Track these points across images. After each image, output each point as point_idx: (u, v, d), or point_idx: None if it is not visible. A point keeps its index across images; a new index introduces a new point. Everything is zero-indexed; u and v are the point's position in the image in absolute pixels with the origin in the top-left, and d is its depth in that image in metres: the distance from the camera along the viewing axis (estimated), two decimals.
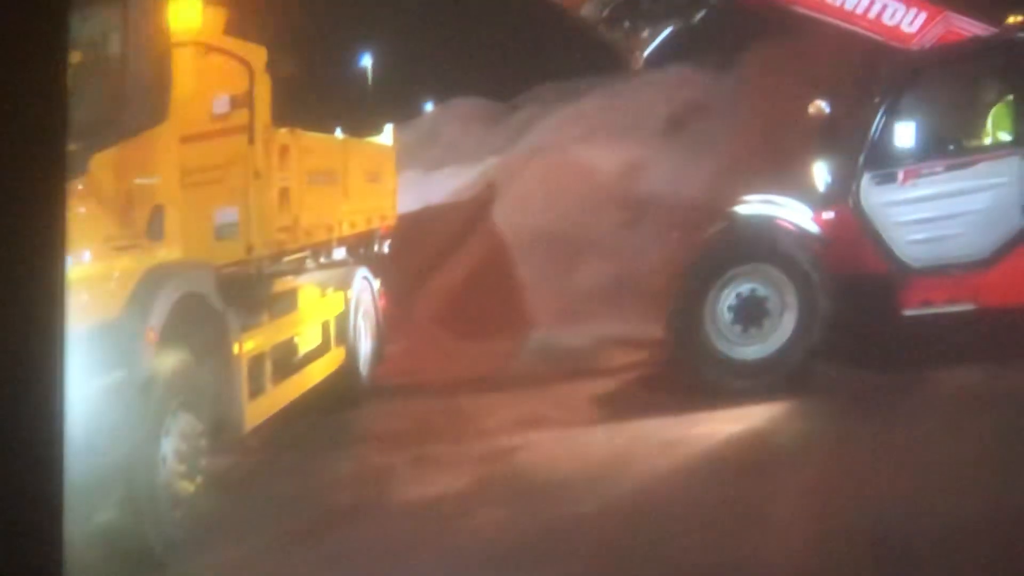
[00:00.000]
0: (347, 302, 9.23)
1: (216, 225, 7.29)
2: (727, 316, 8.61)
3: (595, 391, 9.27)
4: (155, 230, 6.09)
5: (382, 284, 10.30)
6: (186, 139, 6.62)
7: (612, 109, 14.30)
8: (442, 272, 13.23)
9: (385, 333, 10.29)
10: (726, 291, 8.63)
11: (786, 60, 10.50)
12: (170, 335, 5.91)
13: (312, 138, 8.82)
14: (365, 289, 9.79)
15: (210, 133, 7.32)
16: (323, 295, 9.00)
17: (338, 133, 10.21)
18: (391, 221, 10.80)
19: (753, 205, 9.10)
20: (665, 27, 9.45)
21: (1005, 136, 8.85)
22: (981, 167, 8.69)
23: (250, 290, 7.64)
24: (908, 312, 8.54)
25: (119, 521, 5.47)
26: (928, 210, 8.67)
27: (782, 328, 8.57)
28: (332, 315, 8.99)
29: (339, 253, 9.41)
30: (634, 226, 12.09)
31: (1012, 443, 6.50)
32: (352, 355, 9.28)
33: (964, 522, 5.37)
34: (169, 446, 5.88)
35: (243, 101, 7.50)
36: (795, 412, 7.98)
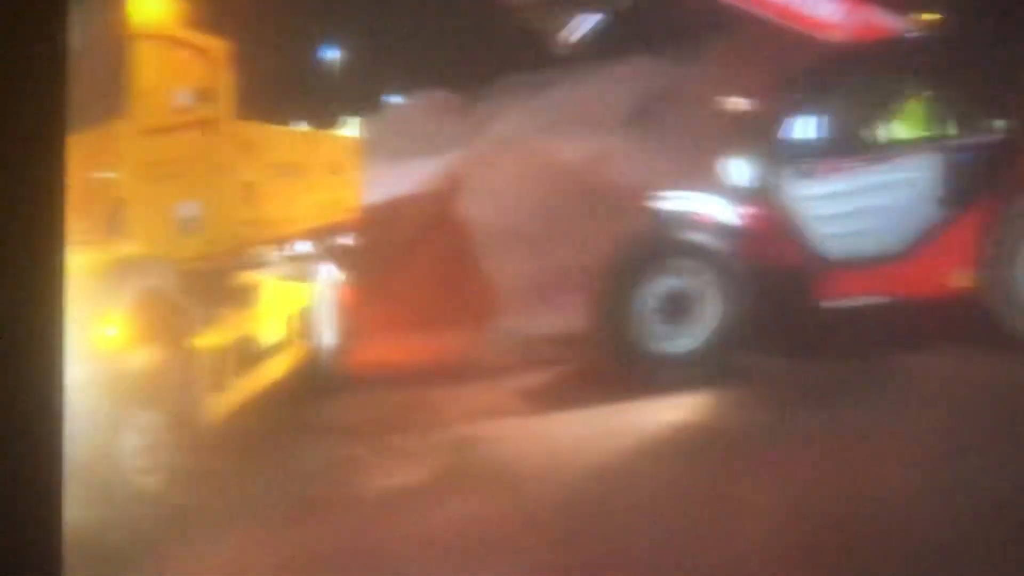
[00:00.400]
0: (311, 295, 9.21)
1: (178, 219, 7.26)
2: (653, 311, 8.71)
3: (559, 381, 9.33)
4: (116, 224, 6.06)
5: (347, 277, 10.28)
6: (147, 132, 6.59)
7: (575, 100, 14.37)
8: (407, 264, 13.21)
9: (350, 325, 10.28)
10: (650, 287, 8.73)
11: (738, 52, 10.59)
12: (131, 330, 5.89)
13: (276, 131, 8.82)
14: (329, 282, 9.78)
15: (172, 126, 7.29)
16: (287, 288, 8.98)
17: (302, 126, 10.19)
18: (356, 214, 10.79)
19: (672, 201, 9.20)
20: (593, 13, 9.51)
21: (919, 132, 9.06)
22: (896, 162, 8.88)
23: (213, 284, 7.62)
24: (826, 304, 8.71)
25: (81, 517, 5.44)
26: (845, 205, 8.86)
27: (707, 321, 8.69)
28: (296, 308, 8.97)
29: (303, 246, 9.40)
30: (599, 217, 12.15)
31: (934, 425, 6.76)
32: (316, 348, 9.27)
33: (900, 504, 5.58)
34: (131, 441, 5.87)
35: (206, 94, 7.48)
36: (725, 402, 8.13)
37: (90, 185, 5.87)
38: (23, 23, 2.24)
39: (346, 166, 10.73)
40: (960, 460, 6.17)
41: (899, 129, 9.17)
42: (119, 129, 6.13)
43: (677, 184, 9.35)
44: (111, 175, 6.11)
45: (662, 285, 8.73)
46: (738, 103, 9.49)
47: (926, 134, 8.99)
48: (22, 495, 2.28)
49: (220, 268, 7.74)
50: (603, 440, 7.40)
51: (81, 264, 5.70)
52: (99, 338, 5.66)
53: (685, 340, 8.72)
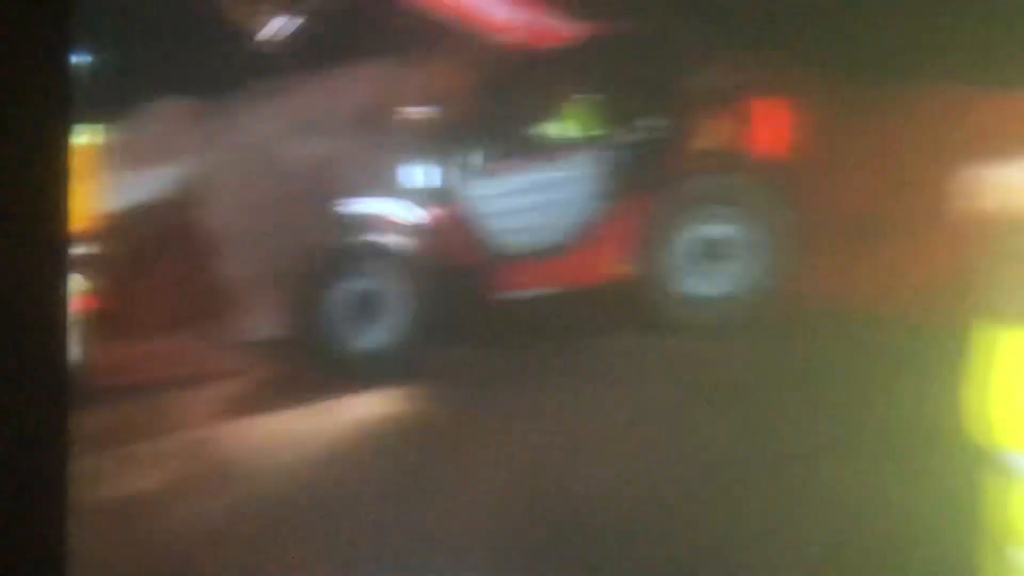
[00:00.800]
0: None
1: None
2: (342, 313, 9.27)
3: (275, 383, 9.71)
4: None
5: (86, 286, 10.30)
6: None
7: (307, 106, 14.64)
8: (147, 272, 13.19)
9: (89, 335, 10.28)
10: (338, 289, 9.32)
11: (438, 57, 11.10)
12: None
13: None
14: (70, 291, 9.78)
15: None
16: None
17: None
18: (95, 222, 10.78)
19: (358, 205, 9.82)
20: (281, 15, 9.93)
21: (584, 132, 9.86)
22: (558, 162, 9.68)
23: None
24: (503, 296, 9.46)
25: None
26: (515, 202, 9.59)
27: (396, 318, 9.30)
28: None
29: None
30: (309, 222, 12.58)
31: (610, 403, 7.70)
32: None
33: (596, 481, 6.47)
34: None
35: None
36: (418, 394, 8.74)
37: None
38: (25, 21, 2.34)
39: (85, 174, 10.69)
40: (644, 435, 7.04)
41: (565, 129, 9.91)
42: None
43: (374, 188, 9.90)
44: None
45: (350, 286, 9.28)
46: (424, 108, 10.11)
47: (590, 134, 9.78)
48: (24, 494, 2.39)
49: None
50: (313, 437, 7.99)
51: None
52: None
53: (376, 337, 9.24)
